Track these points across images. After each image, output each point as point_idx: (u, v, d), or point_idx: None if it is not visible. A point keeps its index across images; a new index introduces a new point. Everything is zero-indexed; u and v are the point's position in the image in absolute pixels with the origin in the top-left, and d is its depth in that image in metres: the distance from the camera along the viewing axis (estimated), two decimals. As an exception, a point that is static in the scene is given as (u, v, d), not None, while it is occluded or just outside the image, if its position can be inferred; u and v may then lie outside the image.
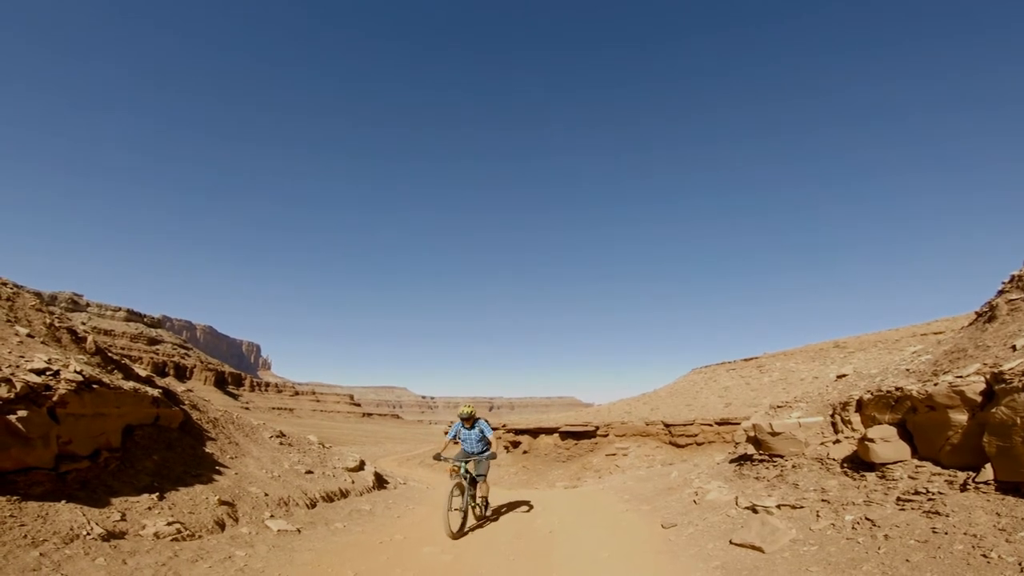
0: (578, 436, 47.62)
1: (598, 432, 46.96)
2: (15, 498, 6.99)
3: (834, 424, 11.77)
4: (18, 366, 8.47)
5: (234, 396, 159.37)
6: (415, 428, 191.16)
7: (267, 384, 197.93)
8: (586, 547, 10.09)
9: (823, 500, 9.47)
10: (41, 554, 6.24)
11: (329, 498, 13.47)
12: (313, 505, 12.40)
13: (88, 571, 6.25)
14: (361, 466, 17.85)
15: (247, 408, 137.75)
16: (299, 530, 10.18)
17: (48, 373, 8.70)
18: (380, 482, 18.09)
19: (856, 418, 11.24)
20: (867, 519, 8.11)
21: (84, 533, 7.02)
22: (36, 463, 7.70)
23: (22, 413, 7.58)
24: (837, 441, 11.18)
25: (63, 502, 7.50)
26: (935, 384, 9.05)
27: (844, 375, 15.52)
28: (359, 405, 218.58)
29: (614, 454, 43.68)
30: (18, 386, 7.78)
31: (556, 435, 49.13)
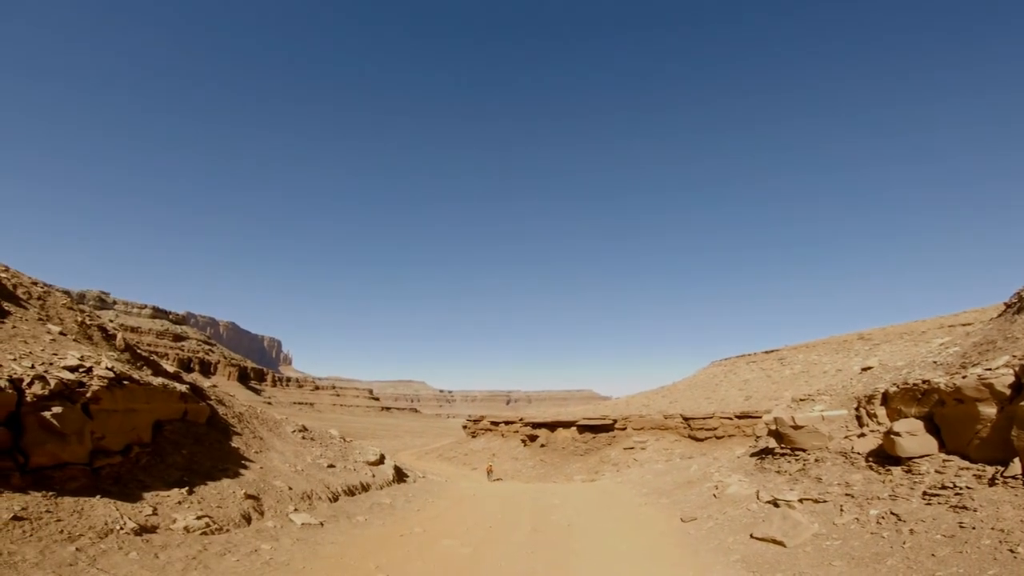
0: (596, 430, 47.56)
1: (616, 425, 46.83)
2: (51, 493, 7.25)
3: (859, 417, 11.57)
4: (52, 363, 8.79)
5: (256, 391, 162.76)
6: (433, 422, 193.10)
7: (288, 379, 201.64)
8: (604, 541, 10.13)
9: (847, 494, 9.35)
10: (77, 549, 6.48)
11: (350, 492, 13.72)
12: (335, 499, 12.65)
13: (122, 565, 6.47)
14: (381, 460, 18.12)
15: (269, 403, 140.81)
16: (322, 523, 10.40)
17: (81, 370, 9.01)
18: (400, 476, 18.36)
19: (882, 411, 11.04)
20: (892, 513, 8.00)
21: (118, 528, 7.27)
22: (71, 459, 7.98)
23: (57, 409, 7.86)
24: (862, 435, 11.00)
25: (97, 497, 7.76)
26: (963, 377, 8.85)
27: (869, 367, 15.23)
28: (378, 399, 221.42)
29: (632, 448, 43.55)
30: (52, 383, 8.06)
31: (574, 428, 49.15)
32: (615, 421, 47.37)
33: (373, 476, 16.12)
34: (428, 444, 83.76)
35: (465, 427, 71.42)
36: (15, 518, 6.40)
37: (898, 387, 10.69)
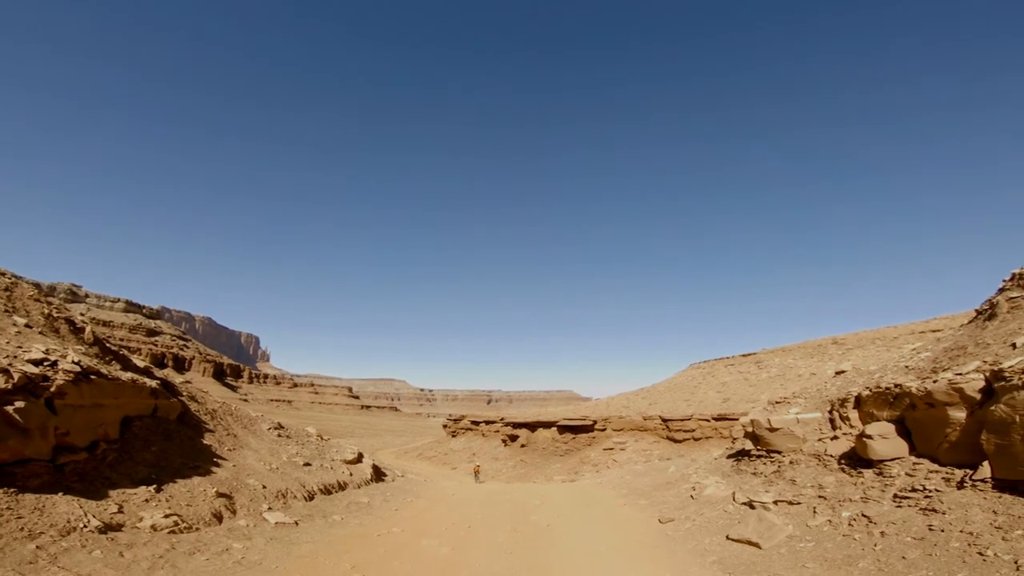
0: (576, 430, 47.82)
1: (596, 426, 47.16)
2: (12, 490, 6.97)
3: (832, 420, 11.80)
4: (16, 356, 8.42)
5: (233, 388, 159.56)
6: (413, 421, 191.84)
7: (266, 376, 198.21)
8: (584, 541, 10.13)
9: (820, 496, 9.51)
10: (38, 547, 6.24)
11: (327, 491, 13.50)
12: (311, 498, 12.42)
13: (85, 563, 6.25)
14: (359, 459, 17.88)
15: (246, 400, 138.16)
16: (297, 523, 10.20)
17: (46, 364, 8.66)
18: (378, 475, 18.14)
19: (855, 415, 11.27)
20: (864, 516, 8.15)
21: (81, 525, 7.01)
22: (34, 455, 7.67)
23: (20, 404, 7.54)
24: (835, 437, 11.21)
25: (60, 494, 7.48)
26: (934, 381, 9.06)
27: (843, 371, 15.55)
28: (357, 397, 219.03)
29: (612, 448, 43.90)
30: (16, 377, 7.73)
31: (554, 429, 49.34)
32: (595, 422, 47.65)
33: (351, 475, 15.89)
34: (408, 443, 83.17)
35: (445, 426, 71.15)
36: (-28, 516, 6.12)
37: (871, 391, 10.92)
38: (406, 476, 21.81)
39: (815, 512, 9.03)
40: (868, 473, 9.40)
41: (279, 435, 16.62)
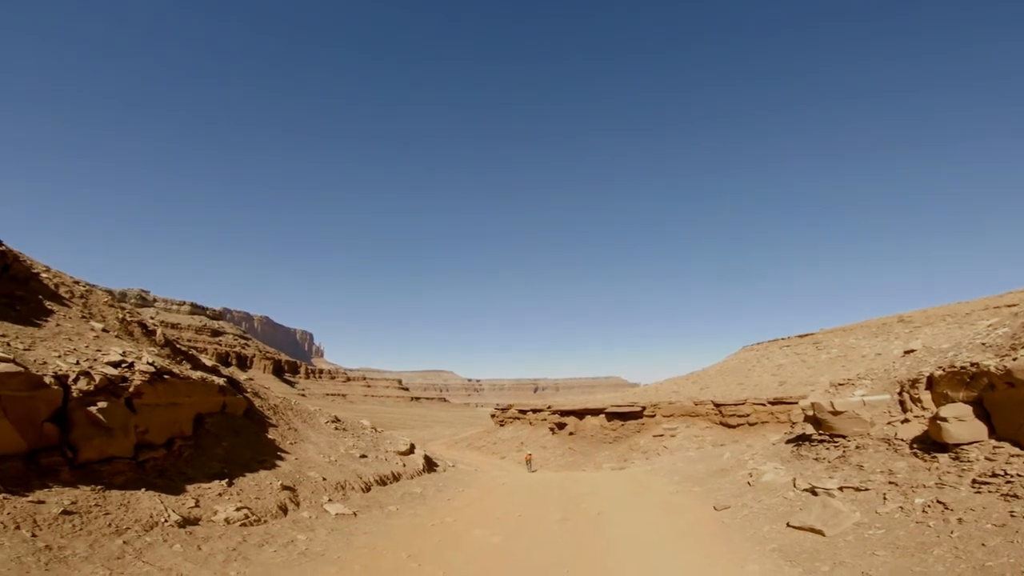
0: (624, 417, 47.27)
1: (645, 413, 46.45)
2: (99, 487, 7.56)
3: (902, 403, 11.10)
4: (95, 359, 9.15)
5: (291, 383, 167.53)
6: (462, 411, 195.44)
7: (321, 371, 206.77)
8: (636, 529, 10.04)
9: (891, 482, 9.00)
10: (124, 542, 6.73)
11: (382, 481, 13.98)
12: (368, 489, 12.91)
13: (167, 558, 6.71)
14: (412, 450, 18.41)
15: (303, 395, 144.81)
16: (355, 513, 10.62)
17: (123, 365, 9.37)
18: (430, 465, 18.62)
19: (927, 396, 10.55)
20: (939, 502, 7.67)
21: (162, 520, 7.54)
22: (117, 452, 8.33)
23: (102, 404, 8.21)
24: (906, 420, 10.55)
25: (143, 490, 8.07)
26: (1014, 359, 8.35)
27: (912, 350, 14.57)
28: (407, 389, 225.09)
29: (662, 435, 43.15)
30: (97, 378, 8.40)
31: (602, 416, 48.98)
32: (644, 408, 46.96)
33: (404, 466, 16.39)
34: (457, 433, 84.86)
35: (493, 416, 72.04)
36: (64, 512, 6.67)
37: (944, 370, 10.18)
38: (456, 466, 22.29)
39: (885, 499, 8.56)
40: (943, 458, 8.80)
41: (336, 428, 17.33)
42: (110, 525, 6.93)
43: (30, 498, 6.63)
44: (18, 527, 6.08)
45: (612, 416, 48.58)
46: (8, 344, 8.23)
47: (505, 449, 54.98)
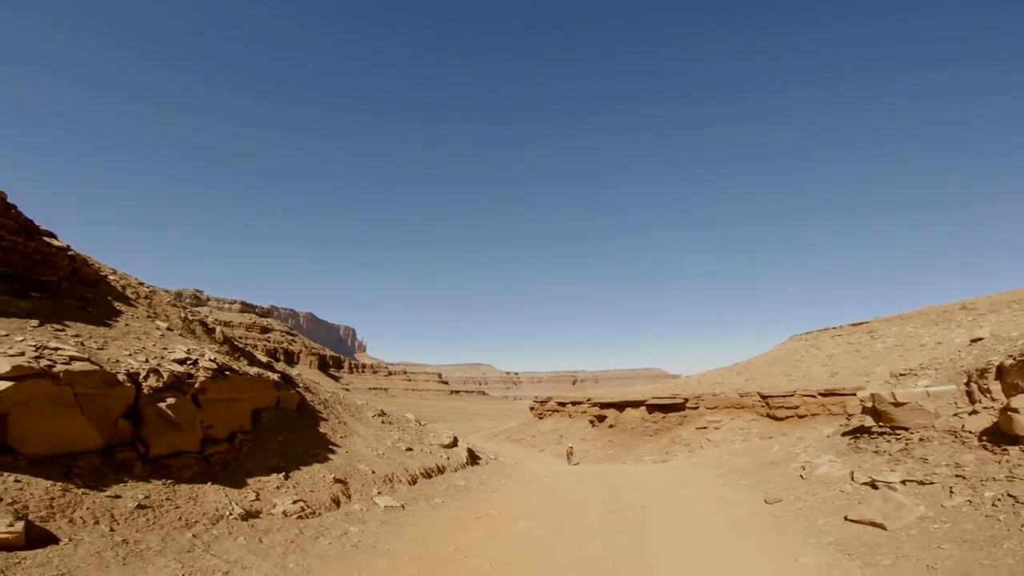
0: (666, 409, 46.38)
1: (687, 405, 45.43)
2: (169, 481, 8.03)
3: (970, 393, 10.46)
4: (163, 357, 9.74)
5: (335, 378, 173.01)
6: (501, 404, 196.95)
7: (363, 365, 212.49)
8: (682, 522, 9.90)
9: (958, 475, 8.52)
10: (194, 535, 7.10)
11: (427, 474, 14.31)
12: (414, 481, 13.24)
13: (232, 551, 7.06)
14: (455, 443, 18.73)
15: (347, 389, 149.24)
16: (403, 506, 10.93)
17: (188, 362, 9.94)
18: (473, 458, 18.90)
19: (996, 386, 9.90)
20: (1010, 495, 7.23)
21: (227, 513, 7.96)
22: (185, 447, 8.85)
23: (171, 400, 8.73)
24: (973, 412, 9.94)
25: (209, 483, 8.55)
26: (1102, 344, 7.72)
27: (980, 339, 13.69)
28: (447, 383, 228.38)
29: (705, 427, 42.13)
30: (165, 375, 8.95)
31: (643, 408, 48.22)
32: (686, 400, 45.99)
33: (448, 459, 16.71)
34: (497, 426, 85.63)
35: (532, 409, 72.22)
36: (139, 507, 7.07)
37: (1015, 359, 9.52)
38: (498, 459, 22.54)
39: (952, 492, 8.12)
40: (1014, 450, 8.27)
41: (382, 422, 17.83)
42: (180, 519, 7.33)
43: (107, 493, 7.02)
44: (97, 522, 6.45)
45: (653, 408, 47.84)
46: (83, 344, 8.86)
47: (544, 442, 55.10)
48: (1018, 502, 7.00)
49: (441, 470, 15.32)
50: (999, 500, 7.30)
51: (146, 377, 8.69)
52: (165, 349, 10.25)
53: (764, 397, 41.08)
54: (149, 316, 12.48)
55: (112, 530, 6.47)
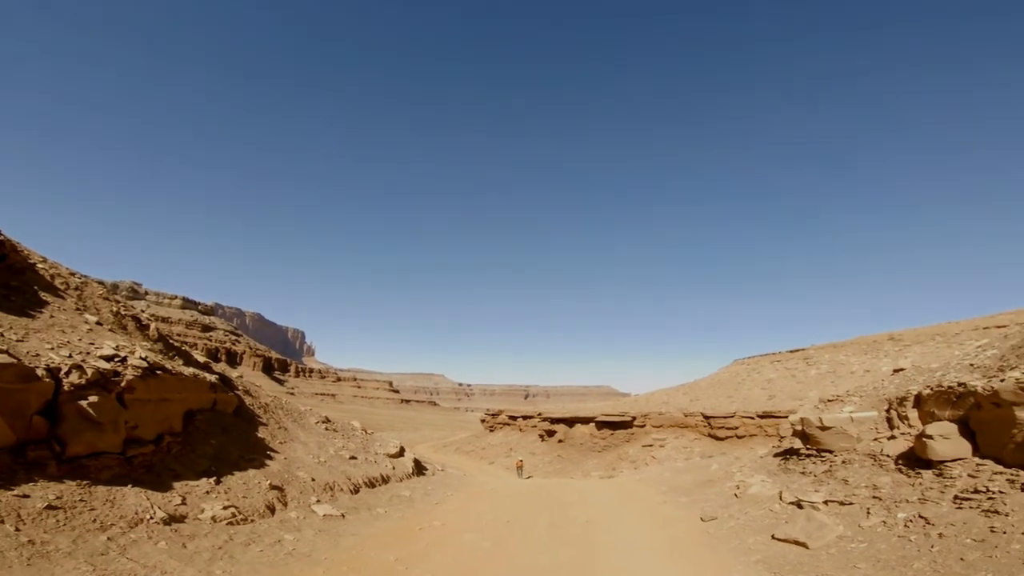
0: (614, 426, 47.27)
1: (635, 422, 46.46)
2: (86, 482, 7.50)
3: (890, 420, 11.26)
4: (88, 353, 9.10)
5: (280, 382, 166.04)
6: (452, 415, 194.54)
7: (311, 370, 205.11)
8: (624, 537, 10.09)
9: (875, 497, 9.13)
10: (109, 538, 6.68)
11: (371, 484, 13.94)
12: (356, 490, 12.87)
13: (151, 555, 6.66)
14: (401, 452, 18.36)
15: (292, 393, 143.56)
16: (343, 515, 10.59)
17: (116, 360, 9.31)
18: (419, 468, 18.58)
19: (914, 414, 10.72)
20: (921, 517, 7.81)
21: (148, 517, 7.50)
22: (106, 448, 8.27)
23: (93, 399, 8.15)
24: (892, 437, 10.70)
25: (129, 486, 8.02)
26: (1001, 380, 8.53)
27: (902, 369, 14.80)
28: (398, 391, 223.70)
29: (651, 445, 43.18)
30: (89, 372, 8.35)
31: (592, 425, 48.93)
32: (634, 418, 47.01)
33: (393, 468, 16.35)
34: (446, 437, 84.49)
35: (483, 421, 71.79)
36: (49, 507, 6.63)
37: (932, 389, 10.36)
38: (446, 470, 22.24)
39: (869, 513, 8.68)
40: (927, 474, 8.95)
41: (326, 429, 17.26)
42: (95, 521, 6.89)
43: (15, 492, 6.59)
44: (2, 521, 6.05)
45: (602, 425, 48.61)
46: (2, 335, 8.18)
47: (494, 454, 54.83)
48: (929, 523, 7.56)
49: (386, 480, 14.96)
50: (911, 521, 7.87)
51: (68, 373, 8.09)
52: (92, 344, 9.60)
53: (707, 417, 42.56)
54: (78, 309, 11.66)
55: (18, 530, 6.03)
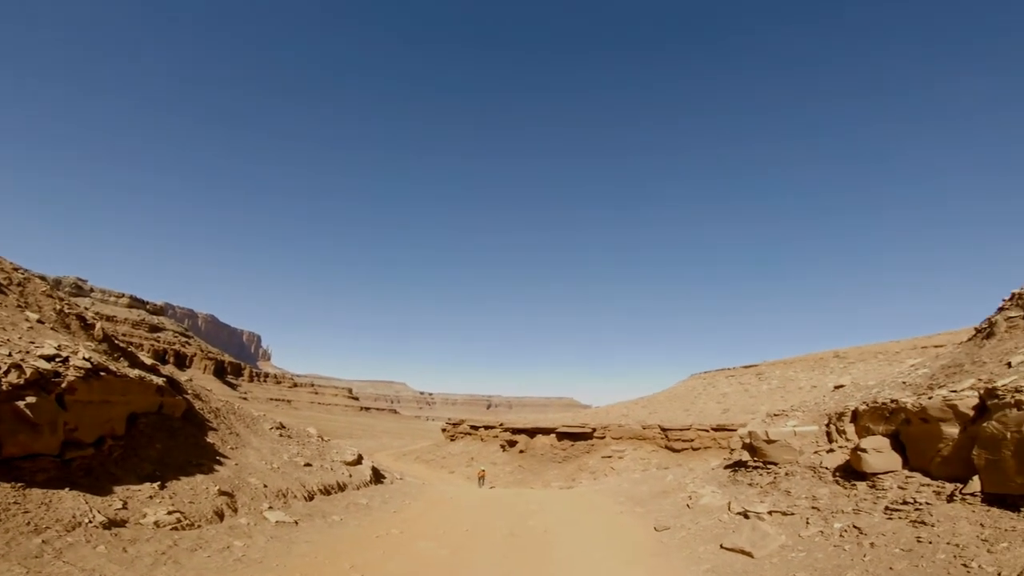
0: (575, 437, 47.78)
1: (595, 434, 47.10)
2: (20, 485, 7.11)
3: (829, 434, 11.90)
4: (28, 352, 8.63)
5: (233, 386, 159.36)
6: (412, 423, 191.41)
7: (266, 375, 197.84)
8: (580, 547, 10.25)
9: (813, 507, 9.62)
10: (43, 541, 6.37)
11: (327, 491, 13.64)
12: (311, 498, 12.57)
13: (89, 559, 6.38)
14: (359, 460, 18.02)
15: (245, 398, 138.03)
16: (297, 522, 10.34)
17: (57, 359, 8.85)
18: (377, 477, 18.27)
19: (851, 428, 11.37)
20: (855, 527, 8.27)
21: (86, 521, 7.15)
22: (42, 450, 7.84)
23: (31, 399, 7.72)
24: (831, 450, 11.31)
25: (67, 489, 7.63)
26: (929, 398, 9.18)
27: (842, 385, 15.66)
28: (357, 399, 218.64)
29: (610, 456, 43.83)
30: (28, 372, 7.92)
31: (553, 435, 49.30)
32: (594, 429, 47.61)
33: (350, 476, 16.03)
34: (406, 446, 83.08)
35: (444, 430, 71.08)
36: (-21, 510, 6.26)
37: (868, 405, 11.04)
38: (404, 479, 21.93)
39: (808, 523, 9.14)
40: (861, 486, 9.51)
41: (281, 435, 16.77)
42: (29, 524, 6.54)
43: (-56, 493, 6.19)
44: None
45: (563, 436, 48.99)
46: (-71, 328, 7.68)
47: (454, 464, 54.31)
48: (862, 533, 8.01)
49: (342, 487, 14.66)
50: (846, 531, 8.32)
51: (6, 373, 7.64)
52: (32, 343, 9.11)
53: (664, 430, 43.55)
54: (19, 306, 11.02)
55: (-56, 534, 5.66)
